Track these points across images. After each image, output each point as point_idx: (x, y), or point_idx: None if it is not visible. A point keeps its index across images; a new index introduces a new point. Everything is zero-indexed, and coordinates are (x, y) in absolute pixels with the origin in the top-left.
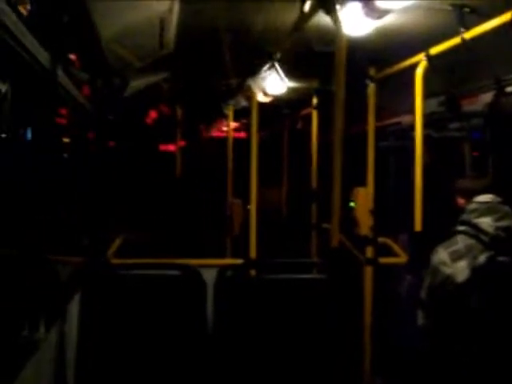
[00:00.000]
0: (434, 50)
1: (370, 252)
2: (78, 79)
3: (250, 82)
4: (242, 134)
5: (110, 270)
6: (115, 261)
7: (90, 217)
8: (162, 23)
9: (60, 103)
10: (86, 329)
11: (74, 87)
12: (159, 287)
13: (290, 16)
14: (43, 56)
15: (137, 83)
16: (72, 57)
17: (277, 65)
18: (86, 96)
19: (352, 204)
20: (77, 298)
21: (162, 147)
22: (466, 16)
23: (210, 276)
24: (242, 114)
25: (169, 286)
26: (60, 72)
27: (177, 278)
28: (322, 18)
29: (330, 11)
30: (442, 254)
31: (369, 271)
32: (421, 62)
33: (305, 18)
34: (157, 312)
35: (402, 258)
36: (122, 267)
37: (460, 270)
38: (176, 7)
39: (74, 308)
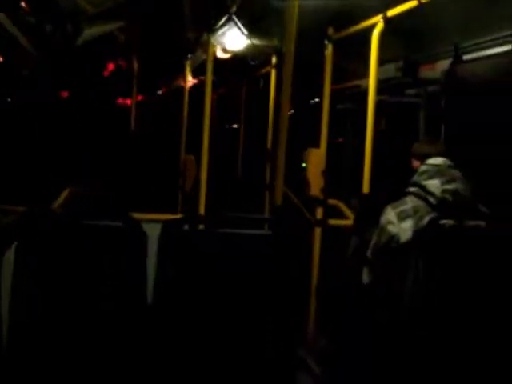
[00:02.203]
0: (392, 12)
1: (319, 213)
2: (26, 23)
3: (208, 36)
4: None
5: (49, 218)
6: (60, 211)
7: (37, 167)
8: None
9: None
10: (21, 279)
11: (16, 30)
12: (97, 237)
13: None
14: None
15: (91, 31)
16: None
17: (234, 18)
18: (32, 41)
19: (304, 165)
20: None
21: (119, 101)
22: None
23: (156, 230)
24: (202, 72)
25: (107, 237)
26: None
27: (116, 228)
28: None
29: None
30: (390, 214)
31: (317, 232)
32: (378, 24)
33: None
34: (93, 263)
35: (351, 220)
36: (60, 216)
37: (404, 230)
38: None
39: (10, 257)
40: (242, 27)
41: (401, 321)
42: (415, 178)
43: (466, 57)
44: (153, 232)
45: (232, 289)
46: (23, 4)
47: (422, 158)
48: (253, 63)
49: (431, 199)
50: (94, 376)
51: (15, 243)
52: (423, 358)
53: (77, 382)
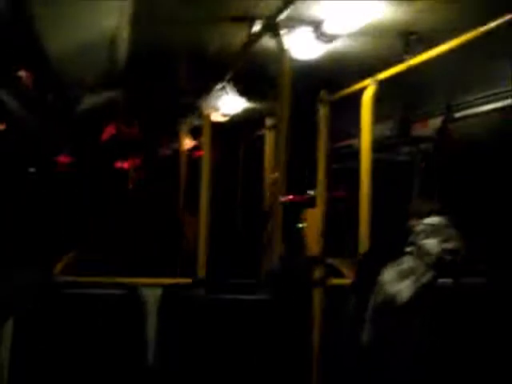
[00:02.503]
0: (382, 75)
1: (318, 273)
2: (27, 95)
3: (204, 101)
4: (200, 153)
5: (49, 288)
6: (60, 278)
7: (37, 232)
8: (113, 41)
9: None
10: (20, 344)
11: (14, 102)
12: (97, 306)
13: (240, 38)
14: None
15: (90, 99)
16: (22, 74)
17: (228, 85)
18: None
19: (301, 225)
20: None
21: (117, 164)
22: (414, 42)
23: (156, 294)
24: (199, 133)
25: (107, 305)
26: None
27: (115, 296)
28: (271, 42)
29: (276, 35)
30: (388, 274)
31: (317, 292)
32: (368, 86)
33: (252, 40)
34: (94, 332)
35: (350, 280)
36: (60, 285)
37: (402, 290)
38: (126, 26)
39: (8, 329)
40: (237, 92)
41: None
42: (412, 237)
43: (457, 114)
44: (153, 296)
45: (233, 352)
46: (24, 75)
47: (420, 216)
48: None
49: (427, 259)
50: None
51: (14, 316)
52: None
53: None
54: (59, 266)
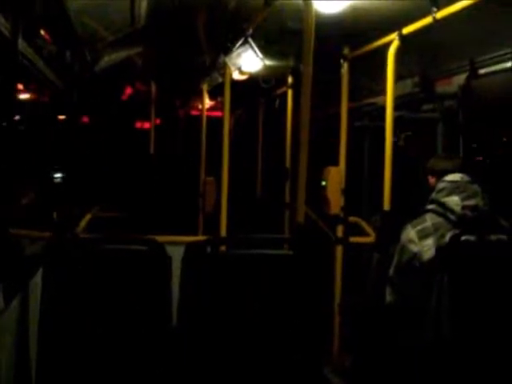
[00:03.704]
0: (407, 30)
1: (340, 231)
2: (47, 53)
3: (225, 59)
4: (219, 113)
5: (75, 244)
6: (82, 235)
7: (60, 192)
8: None
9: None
10: (49, 303)
11: (39, 59)
12: (122, 262)
13: None
14: (3, 25)
15: (109, 58)
16: (42, 32)
17: (250, 41)
18: (54, 70)
19: (323, 183)
20: (41, 272)
21: (138, 124)
22: None
23: (178, 252)
24: (219, 92)
25: (132, 261)
26: (22, 43)
27: (141, 252)
28: None
29: None
30: (410, 232)
31: (339, 250)
32: (393, 41)
33: None
34: (119, 287)
35: (372, 238)
36: (86, 241)
37: (426, 249)
38: None
39: (37, 282)
40: (258, 49)
41: (425, 340)
42: (433, 195)
43: (481, 71)
44: (175, 254)
45: (255, 309)
46: (43, 32)
47: (439, 174)
48: (266, 86)
49: (451, 216)
50: None
51: (42, 268)
52: (449, 377)
53: None
54: (83, 223)
